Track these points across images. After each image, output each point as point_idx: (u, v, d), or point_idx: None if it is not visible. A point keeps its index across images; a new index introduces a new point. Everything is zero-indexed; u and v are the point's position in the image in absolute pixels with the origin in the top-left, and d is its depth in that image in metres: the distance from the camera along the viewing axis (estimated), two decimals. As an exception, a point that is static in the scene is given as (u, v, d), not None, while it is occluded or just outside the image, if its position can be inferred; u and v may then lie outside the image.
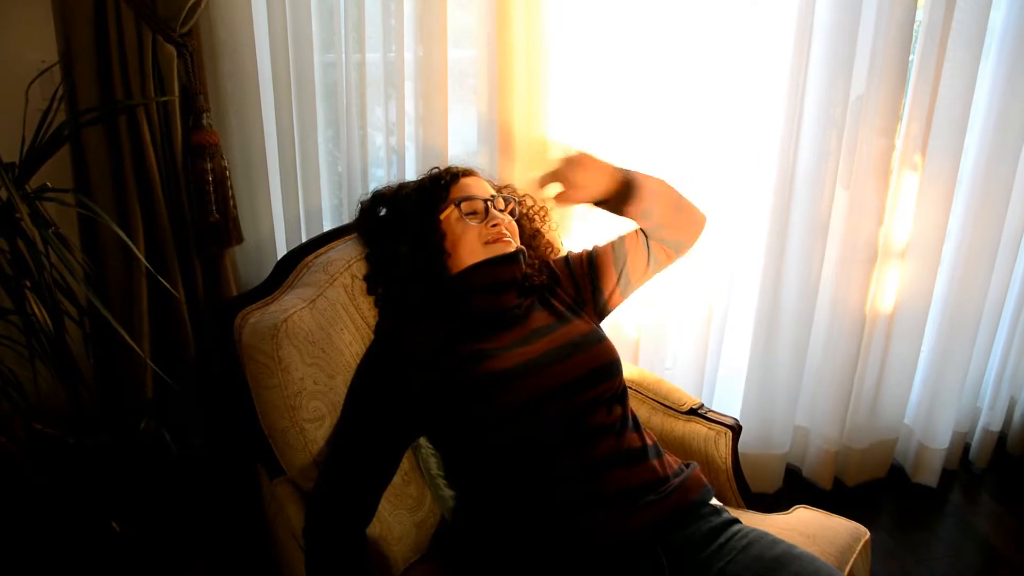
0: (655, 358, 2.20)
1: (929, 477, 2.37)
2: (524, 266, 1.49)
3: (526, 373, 1.33)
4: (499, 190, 1.60)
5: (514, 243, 1.49)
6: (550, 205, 1.65)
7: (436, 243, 1.45)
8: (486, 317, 1.45)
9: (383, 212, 1.55)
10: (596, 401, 1.36)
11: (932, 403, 2.34)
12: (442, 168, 1.56)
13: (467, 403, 1.32)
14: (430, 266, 1.45)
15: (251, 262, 1.92)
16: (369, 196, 1.58)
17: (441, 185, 1.50)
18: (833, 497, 2.33)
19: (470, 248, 1.45)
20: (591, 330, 1.46)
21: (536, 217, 1.64)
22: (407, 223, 1.48)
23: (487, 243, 1.45)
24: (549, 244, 1.63)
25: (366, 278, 1.52)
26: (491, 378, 1.32)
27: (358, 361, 1.45)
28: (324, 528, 1.29)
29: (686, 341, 2.22)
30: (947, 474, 2.41)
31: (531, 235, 1.61)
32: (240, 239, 1.80)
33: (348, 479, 1.31)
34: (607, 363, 1.41)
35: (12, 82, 1.61)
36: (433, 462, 1.47)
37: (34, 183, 1.50)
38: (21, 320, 1.37)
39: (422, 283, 1.45)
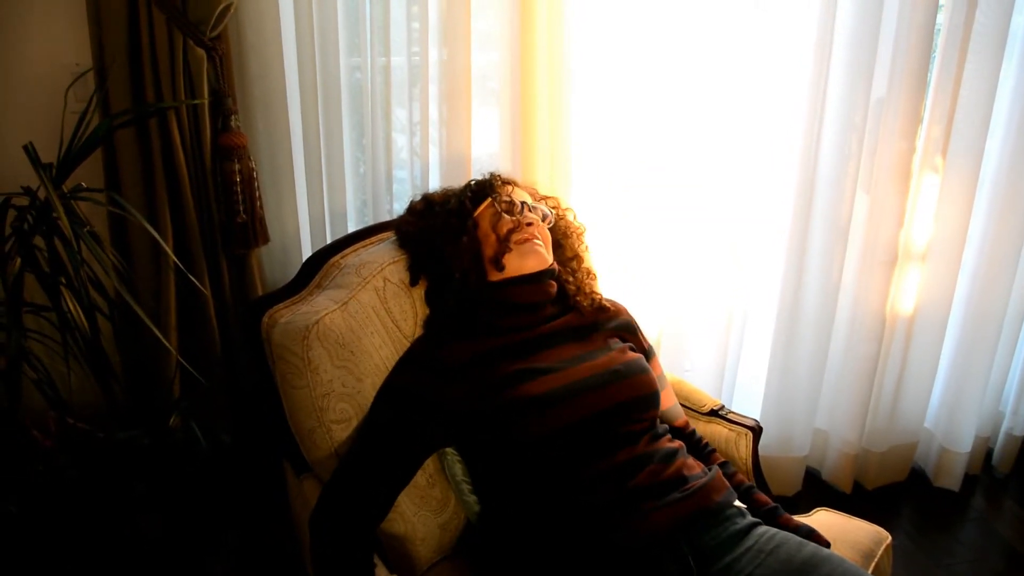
0: (674, 360, 2.20)
1: (951, 481, 2.36)
2: (554, 284, 1.52)
3: (562, 398, 1.34)
4: (541, 200, 1.64)
5: (546, 252, 1.51)
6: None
7: (468, 230, 1.48)
8: (522, 332, 1.46)
9: (428, 211, 1.58)
10: (628, 422, 1.37)
11: (953, 407, 2.33)
12: (487, 174, 1.60)
13: (500, 426, 1.33)
14: (460, 256, 1.47)
15: (277, 261, 1.95)
16: (420, 196, 1.62)
17: (484, 187, 1.55)
18: (853, 500, 2.32)
19: (499, 241, 1.47)
20: (634, 359, 1.46)
21: (573, 235, 1.65)
22: (446, 216, 1.51)
23: (517, 242, 1.47)
24: (588, 271, 1.63)
25: (410, 269, 1.54)
26: (527, 403, 1.32)
27: (387, 365, 1.46)
28: (331, 522, 1.31)
29: (706, 343, 2.22)
30: (969, 478, 2.40)
31: (571, 257, 1.62)
32: (267, 239, 1.83)
33: (364, 479, 1.32)
34: (645, 395, 1.41)
35: (49, 85, 1.65)
36: (459, 468, 1.48)
37: (69, 183, 1.54)
38: (57, 317, 1.40)
39: (456, 275, 1.47)
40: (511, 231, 1.48)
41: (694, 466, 1.41)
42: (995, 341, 2.27)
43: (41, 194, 1.38)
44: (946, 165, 2.11)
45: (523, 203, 1.53)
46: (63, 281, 1.39)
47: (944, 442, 2.36)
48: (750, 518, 1.36)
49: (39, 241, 1.41)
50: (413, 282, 1.53)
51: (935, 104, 2.05)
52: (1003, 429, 2.45)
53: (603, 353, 1.46)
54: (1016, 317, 2.34)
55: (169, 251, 1.63)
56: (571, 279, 1.58)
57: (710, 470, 1.42)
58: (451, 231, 1.49)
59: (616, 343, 1.52)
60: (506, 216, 1.49)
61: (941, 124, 2.06)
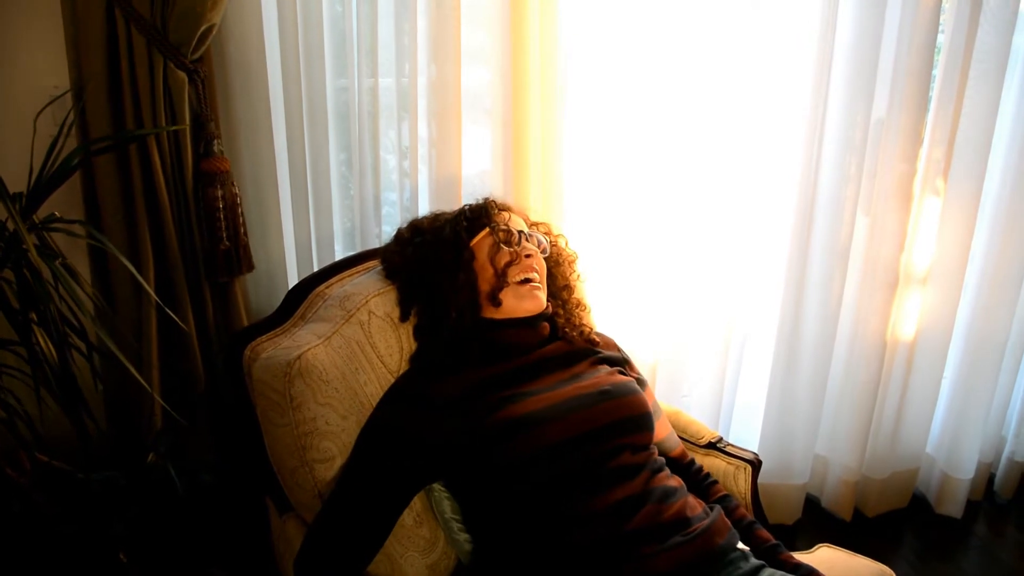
0: (672, 386, 2.16)
1: (953, 508, 2.31)
2: (548, 325, 1.50)
3: (550, 417, 1.30)
4: (533, 226, 1.60)
5: (543, 296, 1.48)
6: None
7: (464, 263, 1.44)
8: (512, 361, 1.42)
9: (418, 240, 1.52)
10: (622, 447, 1.33)
11: (956, 432, 2.29)
12: (481, 199, 1.56)
13: (488, 449, 1.28)
14: (457, 292, 1.43)
15: (262, 289, 1.90)
16: (407, 224, 1.57)
17: (480, 214, 1.51)
18: (853, 528, 2.27)
19: (496, 276, 1.43)
20: (624, 381, 1.43)
21: (565, 263, 1.61)
22: (439, 247, 1.46)
23: (515, 277, 1.44)
24: (579, 302, 1.60)
25: (400, 303, 1.49)
26: (513, 423, 1.29)
27: (372, 402, 1.41)
28: (316, 566, 1.26)
29: (704, 368, 2.18)
30: (971, 505, 2.35)
31: (563, 287, 1.59)
32: (251, 267, 1.78)
33: (351, 520, 1.28)
34: (636, 415, 1.38)
35: (27, 109, 1.59)
36: (447, 505, 1.43)
37: (44, 212, 1.48)
38: (26, 352, 1.35)
39: (452, 313, 1.43)
40: (509, 264, 1.44)
41: (696, 506, 1.37)
42: (997, 365, 2.23)
43: (10, 226, 1.32)
44: (947, 187, 2.07)
45: (521, 233, 1.49)
46: (34, 318, 1.33)
47: (946, 468, 2.31)
48: (754, 561, 1.32)
49: (9, 274, 1.35)
50: (403, 317, 1.48)
51: (936, 125, 2.01)
52: (1005, 454, 2.41)
53: (591, 375, 1.42)
54: (1019, 340, 2.30)
55: (148, 287, 1.57)
56: (561, 311, 1.55)
57: (712, 509, 1.38)
58: (447, 266, 1.44)
59: (604, 368, 1.48)
60: (504, 248, 1.45)
61: (942, 146, 2.03)
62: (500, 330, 1.44)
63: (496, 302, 1.43)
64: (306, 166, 1.83)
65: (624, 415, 1.36)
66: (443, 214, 1.56)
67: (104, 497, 1.51)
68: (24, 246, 1.27)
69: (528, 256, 1.46)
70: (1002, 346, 2.22)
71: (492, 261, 1.44)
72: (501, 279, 1.43)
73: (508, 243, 1.46)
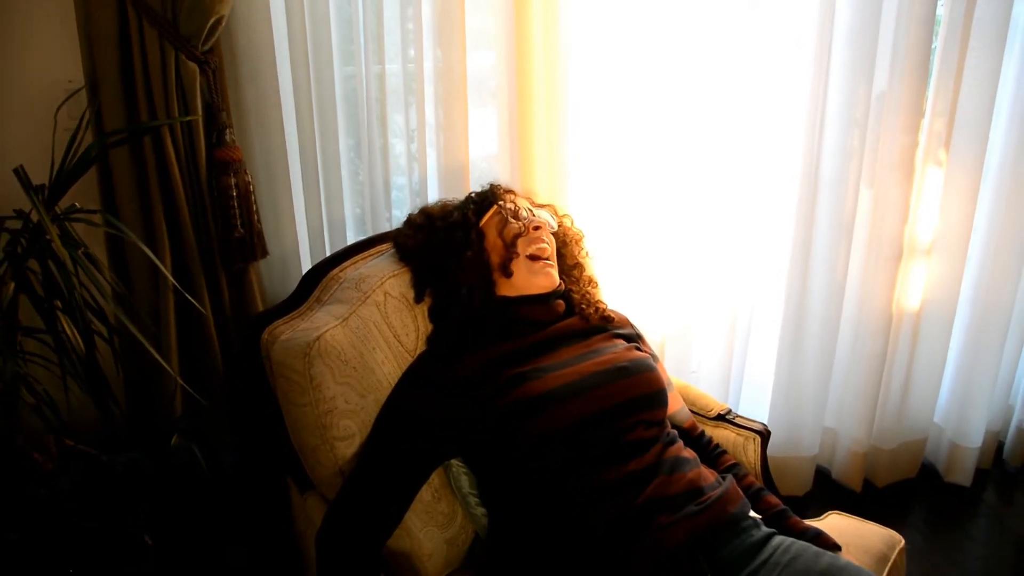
0: (680, 361, 2.18)
1: (962, 476, 2.33)
2: (562, 303, 1.52)
3: (569, 395, 1.32)
4: (539, 207, 1.63)
5: (556, 273, 1.51)
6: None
7: (472, 243, 1.47)
8: (526, 339, 1.45)
9: (429, 224, 1.56)
10: (637, 423, 1.36)
11: (963, 401, 2.31)
12: (486, 185, 1.60)
13: (507, 428, 1.31)
14: (465, 270, 1.46)
15: (276, 275, 1.93)
16: (418, 210, 1.61)
17: (486, 196, 1.55)
18: (863, 499, 2.30)
19: (506, 247, 1.47)
20: (641, 357, 1.45)
21: (572, 242, 1.64)
22: (449, 229, 1.50)
23: (527, 248, 1.47)
24: (590, 279, 1.63)
25: (414, 285, 1.52)
26: (533, 402, 1.31)
27: (390, 380, 1.44)
28: (338, 541, 1.30)
29: (712, 344, 2.20)
30: (980, 473, 2.37)
31: (573, 265, 1.62)
32: (265, 253, 1.81)
33: (371, 497, 1.31)
34: (652, 392, 1.40)
35: (42, 104, 1.62)
36: (465, 480, 1.46)
37: (63, 204, 1.52)
38: (52, 339, 1.38)
39: (462, 290, 1.46)
40: (517, 235, 1.48)
41: (708, 476, 1.39)
42: (1003, 333, 2.25)
43: (34, 217, 1.36)
44: (949, 158, 2.08)
45: (528, 209, 1.54)
46: (59, 305, 1.37)
47: (954, 437, 2.33)
48: (765, 529, 1.35)
49: (34, 264, 1.39)
50: (418, 299, 1.52)
51: (937, 97, 2.03)
52: (1013, 423, 2.42)
53: (608, 351, 1.45)
54: (1024, 309, 2.31)
55: (166, 271, 1.61)
56: (575, 288, 1.58)
57: (724, 479, 1.40)
58: (455, 245, 1.48)
59: (620, 342, 1.50)
60: (513, 221, 1.49)
61: (944, 117, 2.04)
62: (514, 307, 1.47)
63: (507, 272, 1.46)
64: (316, 153, 1.86)
65: (642, 392, 1.39)
66: (451, 202, 1.61)
67: (128, 479, 1.54)
68: (48, 236, 1.30)
69: (537, 228, 1.50)
70: (1007, 315, 2.23)
71: (501, 235, 1.48)
72: (511, 249, 1.47)
73: (516, 216, 1.50)
